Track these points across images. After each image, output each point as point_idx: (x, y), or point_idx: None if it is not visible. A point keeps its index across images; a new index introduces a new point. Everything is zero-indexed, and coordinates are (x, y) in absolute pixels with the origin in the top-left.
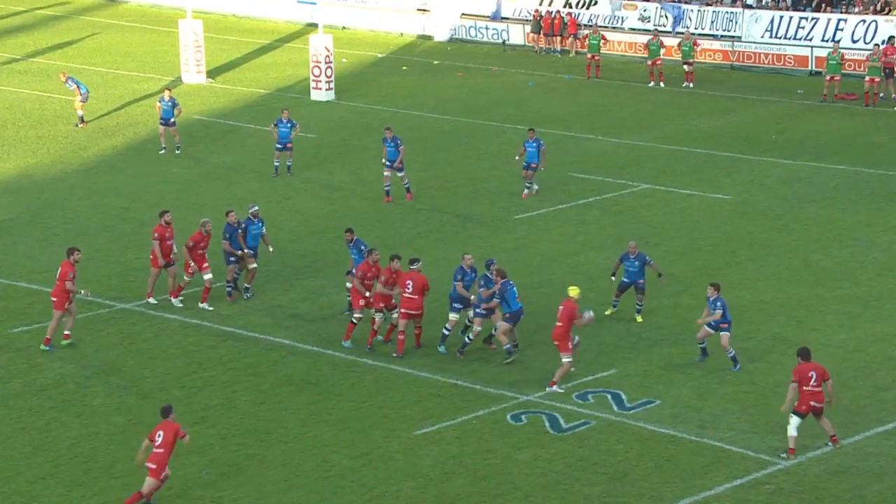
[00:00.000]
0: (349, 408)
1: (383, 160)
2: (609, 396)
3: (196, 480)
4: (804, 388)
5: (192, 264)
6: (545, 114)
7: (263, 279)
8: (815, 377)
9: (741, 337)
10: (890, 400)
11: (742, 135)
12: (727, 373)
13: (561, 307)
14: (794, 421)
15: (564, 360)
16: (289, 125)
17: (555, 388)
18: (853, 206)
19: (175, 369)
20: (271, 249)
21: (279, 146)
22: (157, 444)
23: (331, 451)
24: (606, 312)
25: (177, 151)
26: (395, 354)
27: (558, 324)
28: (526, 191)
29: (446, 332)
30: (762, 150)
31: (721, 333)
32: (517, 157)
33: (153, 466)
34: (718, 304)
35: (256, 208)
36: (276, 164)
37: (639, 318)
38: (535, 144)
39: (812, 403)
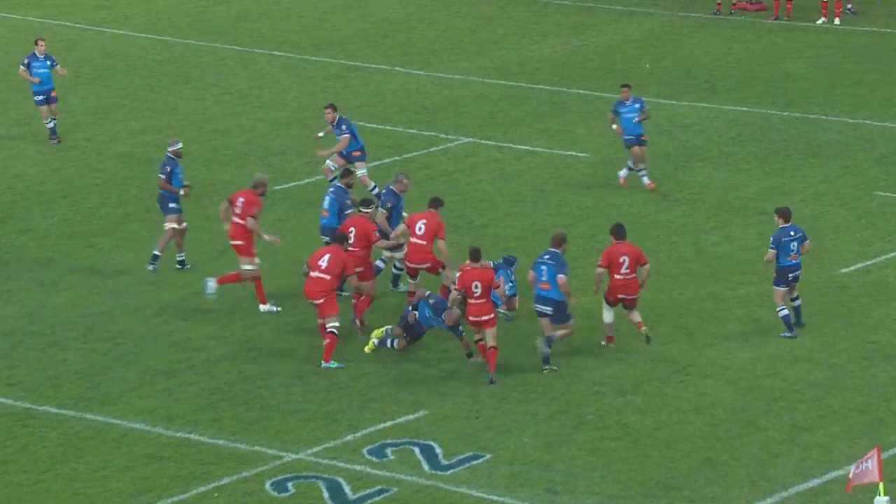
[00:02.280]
0: (17, 483)
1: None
2: (417, 450)
3: None
4: (615, 275)
5: None
6: (316, 34)
7: None
8: (627, 262)
9: (608, 359)
10: (815, 444)
11: (603, 64)
12: (588, 406)
13: None
14: (607, 308)
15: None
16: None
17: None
18: (761, 164)
19: None
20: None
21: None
22: None
23: None
24: None
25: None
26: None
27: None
28: (635, 174)
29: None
30: (633, 85)
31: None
32: (614, 127)
33: None
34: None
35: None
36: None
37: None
38: (636, 107)
39: (621, 296)
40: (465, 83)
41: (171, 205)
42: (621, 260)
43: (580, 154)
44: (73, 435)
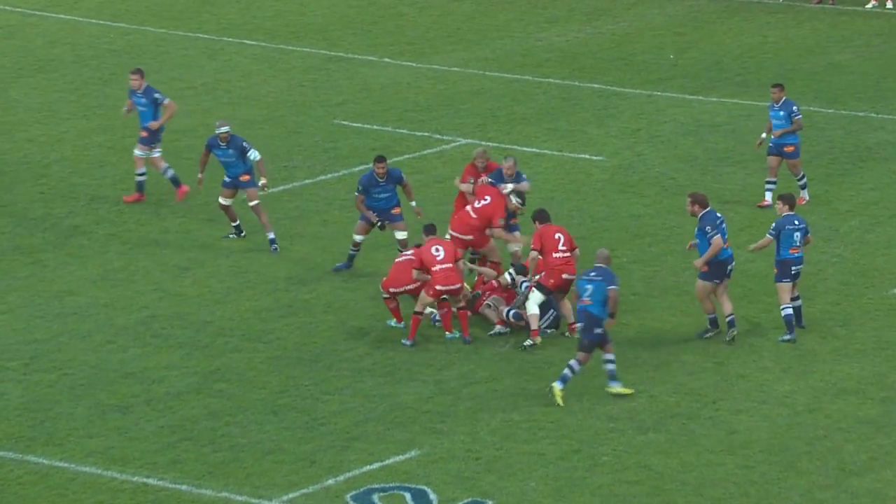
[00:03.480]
0: None
1: None
2: (408, 496)
3: None
4: (552, 255)
5: None
6: (293, 20)
7: None
8: (563, 240)
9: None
10: (865, 491)
11: (620, 54)
12: (604, 446)
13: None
14: (536, 297)
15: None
16: None
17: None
18: (802, 168)
19: None
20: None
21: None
22: None
23: None
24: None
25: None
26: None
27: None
28: (801, 193)
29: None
30: (654, 79)
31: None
32: (762, 137)
33: None
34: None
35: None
36: None
37: None
38: (785, 111)
39: (564, 276)
40: (463, 76)
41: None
42: (556, 237)
43: (594, 157)
44: (11, 480)
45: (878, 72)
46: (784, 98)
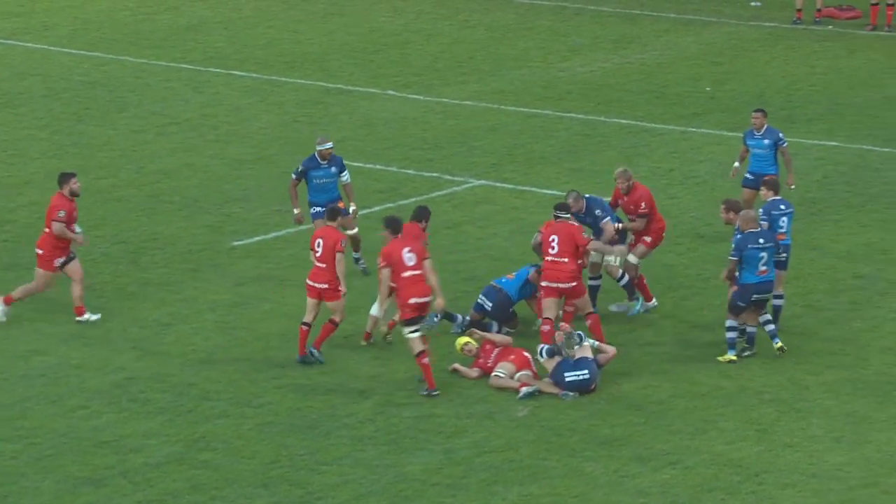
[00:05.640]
0: None
1: None
2: None
3: None
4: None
5: None
6: (287, 49)
7: None
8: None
9: (659, 461)
10: None
11: (652, 86)
12: None
13: None
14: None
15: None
16: None
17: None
18: (854, 214)
19: None
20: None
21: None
22: None
23: None
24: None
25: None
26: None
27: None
28: None
29: None
30: (688, 113)
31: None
32: (735, 167)
33: None
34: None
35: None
36: None
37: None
38: (770, 139)
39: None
40: (476, 111)
41: (315, 209)
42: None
43: None
44: None
45: None
46: (767, 125)
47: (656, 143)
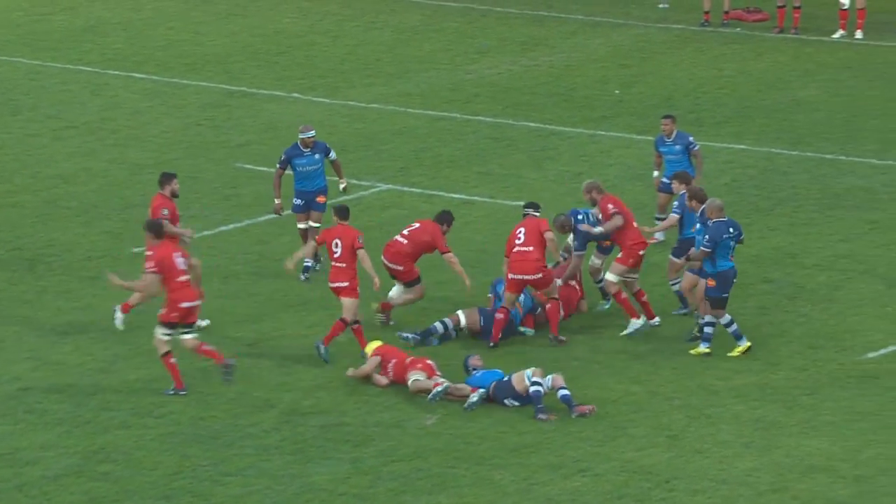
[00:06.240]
0: None
1: None
2: None
3: None
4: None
5: None
6: (188, 50)
7: None
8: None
9: (568, 469)
10: None
11: (560, 89)
12: None
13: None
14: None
15: None
16: None
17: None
18: (763, 218)
19: None
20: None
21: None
22: None
23: None
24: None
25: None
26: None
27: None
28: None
29: None
30: (597, 116)
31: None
32: (655, 175)
33: None
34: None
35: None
36: None
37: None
38: (681, 144)
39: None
40: (383, 114)
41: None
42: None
43: None
44: None
45: (846, 109)
46: (676, 130)
47: (565, 147)
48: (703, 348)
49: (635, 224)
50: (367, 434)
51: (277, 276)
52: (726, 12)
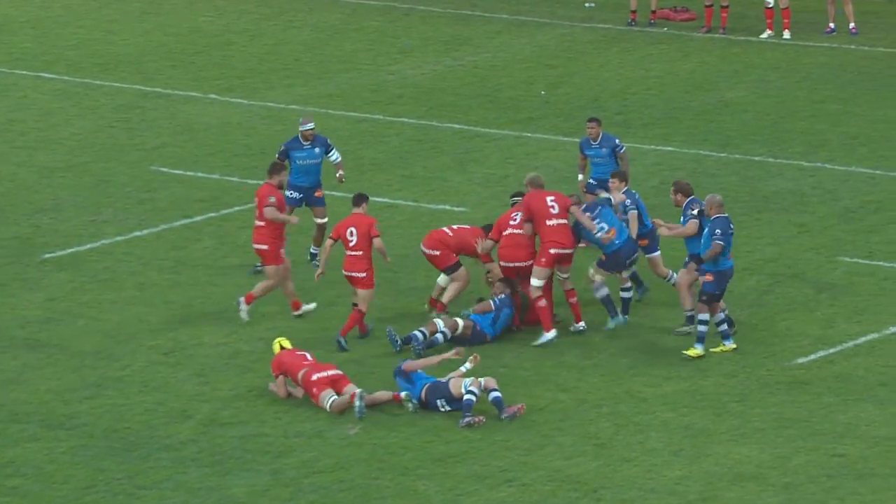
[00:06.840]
0: None
1: None
2: None
3: None
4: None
5: None
6: (100, 49)
7: None
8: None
9: (494, 479)
10: None
11: (485, 90)
12: None
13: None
14: None
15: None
16: None
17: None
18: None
19: None
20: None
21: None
22: None
23: None
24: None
25: None
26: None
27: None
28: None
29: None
30: (523, 118)
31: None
32: (580, 179)
33: None
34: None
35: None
36: None
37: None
38: (608, 147)
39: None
40: (299, 114)
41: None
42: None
43: (456, 208)
44: None
45: (774, 111)
46: (602, 132)
47: (490, 149)
48: (697, 349)
49: (549, 223)
50: (288, 445)
51: (194, 283)
52: (653, 12)
